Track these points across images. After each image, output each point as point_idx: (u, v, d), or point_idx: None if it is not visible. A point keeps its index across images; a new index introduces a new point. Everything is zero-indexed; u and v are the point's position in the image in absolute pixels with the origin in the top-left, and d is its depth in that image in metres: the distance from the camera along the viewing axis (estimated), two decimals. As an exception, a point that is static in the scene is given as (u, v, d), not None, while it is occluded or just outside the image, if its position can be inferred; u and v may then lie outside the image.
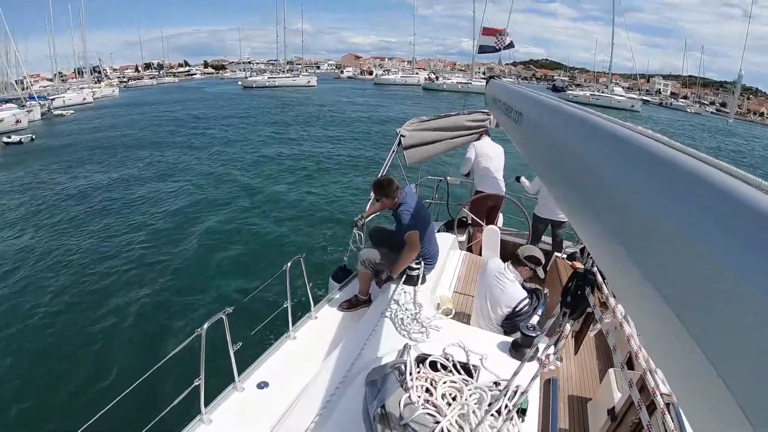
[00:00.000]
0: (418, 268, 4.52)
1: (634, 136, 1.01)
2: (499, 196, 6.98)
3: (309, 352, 4.25)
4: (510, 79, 75.49)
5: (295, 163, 21.33)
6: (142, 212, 14.97)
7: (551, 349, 2.11)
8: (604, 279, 1.92)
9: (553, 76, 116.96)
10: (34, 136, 31.94)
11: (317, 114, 40.28)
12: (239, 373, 3.72)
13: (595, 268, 1.95)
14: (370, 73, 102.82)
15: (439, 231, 6.24)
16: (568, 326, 2.03)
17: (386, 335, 3.79)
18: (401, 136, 6.35)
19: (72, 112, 46.78)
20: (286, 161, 21.79)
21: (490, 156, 6.90)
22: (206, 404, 3.41)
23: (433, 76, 76.70)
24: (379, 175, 5.76)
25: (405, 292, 4.34)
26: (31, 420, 6.17)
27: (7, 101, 40.43)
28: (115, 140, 29.94)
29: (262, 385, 3.76)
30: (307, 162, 21.68)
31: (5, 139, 30.70)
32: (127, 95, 69.11)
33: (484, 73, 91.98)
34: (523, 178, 7.19)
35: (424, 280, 4.59)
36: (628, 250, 0.84)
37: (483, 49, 12.57)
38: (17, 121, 35.79)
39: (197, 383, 3.28)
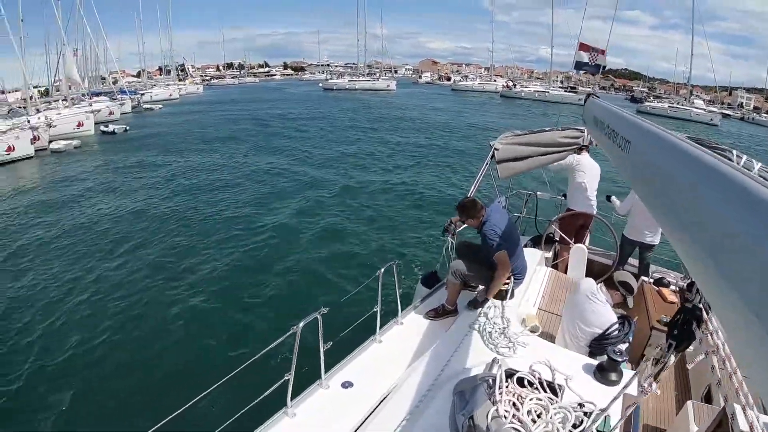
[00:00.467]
0: (508, 284, 4.55)
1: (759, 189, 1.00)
2: (590, 216, 6.91)
3: (394, 356, 4.30)
4: (589, 89, 73.07)
5: (387, 165, 21.38)
6: (236, 205, 15.64)
7: (649, 378, 2.24)
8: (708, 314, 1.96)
9: (631, 86, 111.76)
10: (128, 127, 34.05)
11: (401, 117, 40.11)
12: (326, 371, 3.83)
13: (702, 304, 2.05)
14: (448, 79, 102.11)
15: (525, 246, 6.21)
16: (672, 358, 2.16)
17: (474, 347, 3.92)
18: (495, 149, 6.30)
19: (160, 106, 49.03)
20: (378, 163, 21.86)
21: (586, 173, 6.85)
22: (292, 398, 3.51)
23: (510, 83, 74.99)
24: (472, 188, 6.09)
25: (494, 307, 4.42)
26: (125, 401, 6.45)
27: (99, 94, 43.16)
28: (205, 134, 31.52)
29: (346, 385, 3.84)
30: (399, 165, 21.62)
31: (102, 128, 33.22)
32: (210, 93, 71.75)
33: (561, 82, 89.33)
34: (613, 198, 7.04)
35: (512, 296, 4.64)
36: (743, 293, 0.89)
37: (579, 66, 12.47)
38: (110, 113, 38.64)
39: (287, 378, 3.39)
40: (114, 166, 22.65)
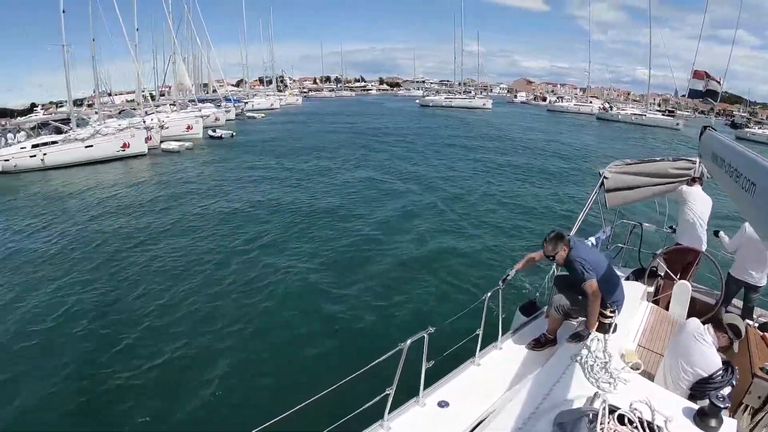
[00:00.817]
0: (612, 317, 4.52)
1: None
2: (698, 252, 6.47)
3: (491, 380, 4.34)
4: (687, 113, 67.96)
5: (489, 187, 20.09)
6: (342, 214, 15.76)
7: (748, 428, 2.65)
8: None
9: (732, 111, 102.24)
10: (234, 133, 35.16)
11: (500, 136, 38.66)
12: (423, 389, 3.89)
13: None
14: (544, 99, 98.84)
15: (627, 278, 6.19)
16: None
17: (575, 379, 3.87)
18: (604, 177, 6.32)
19: (263, 115, 50.94)
20: (480, 184, 20.61)
21: (697, 206, 6.50)
22: (389, 412, 3.59)
23: (606, 105, 71.16)
24: (581, 215, 6.30)
25: (597, 340, 4.27)
26: (230, 402, 6.67)
27: (204, 101, 45.38)
28: (308, 143, 32.31)
29: (442, 404, 3.90)
30: (503, 186, 20.42)
31: (210, 133, 34.69)
32: (309, 104, 73.94)
33: (659, 105, 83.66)
34: (722, 233, 6.58)
35: (615, 329, 4.59)
36: None
37: (693, 94, 11.93)
38: (216, 119, 40.91)
39: (388, 392, 3.50)
40: (225, 167, 24.03)
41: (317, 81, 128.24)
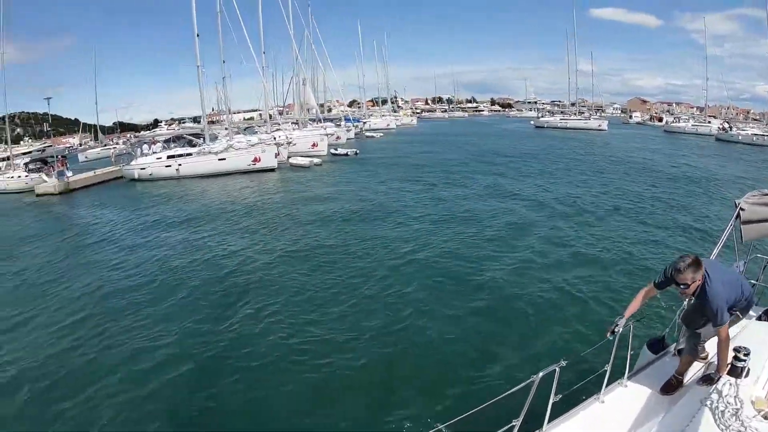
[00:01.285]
0: (745, 360, 4.01)
1: None
2: None
3: (616, 419, 4.11)
4: None
5: (621, 214, 17.47)
6: (475, 232, 14.86)
7: None
8: None
9: None
10: (358, 151, 34.52)
11: (621, 159, 34.67)
12: (548, 422, 3.76)
13: None
14: (660, 120, 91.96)
15: (759, 318, 5.52)
16: None
17: (704, 425, 3.58)
18: (740, 209, 5.78)
19: (381, 135, 50.52)
20: (609, 211, 17.93)
21: None
22: None
23: (726, 125, 64.41)
24: (716, 249, 5.77)
25: (729, 384, 3.89)
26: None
27: (325, 120, 45.59)
28: (431, 162, 30.58)
29: None
30: (631, 208, 18.07)
31: (333, 151, 34.40)
32: (423, 125, 73.24)
33: None
34: None
35: (748, 374, 4.08)
36: None
37: None
38: (337, 137, 41.13)
39: (514, 423, 3.52)
40: (355, 181, 24.06)
41: (428, 102, 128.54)
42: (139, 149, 31.63)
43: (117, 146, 58.14)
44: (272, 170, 27.78)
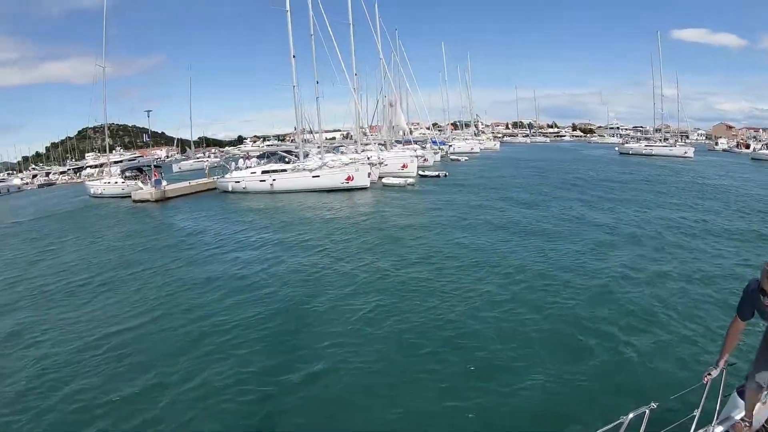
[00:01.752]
0: None
1: None
2: None
3: None
4: None
5: (720, 245, 15.17)
6: (565, 258, 13.30)
7: None
8: None
9: None
10: (447, 173, 33.60)
11: (713, 188, 31.55)
12: None
13: None
14: (747, 147, 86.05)
15: None
16: None
17: None
18: None
19: (466, 158, 49.49)
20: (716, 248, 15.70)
21: None
22: None
23: None
24: None
25: None
26: None
27: (410, 141, 45.11)
28: (520, 187, 28.78)
29: None
30: (729, 243, 15.46)
31: (421, 173, 33.63)
32: (506, 149, 71.52)
33: None
34: None
35: None
36: None
37: None
38: (425, 160, 39.90)
39: None
40: (449, 202, 23.05)
41: (509, 126, 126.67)
42: (233, 163, 32.51)
43: (209, 159, 60.69)
44: (364, 189, 27.33)
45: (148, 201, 30.41)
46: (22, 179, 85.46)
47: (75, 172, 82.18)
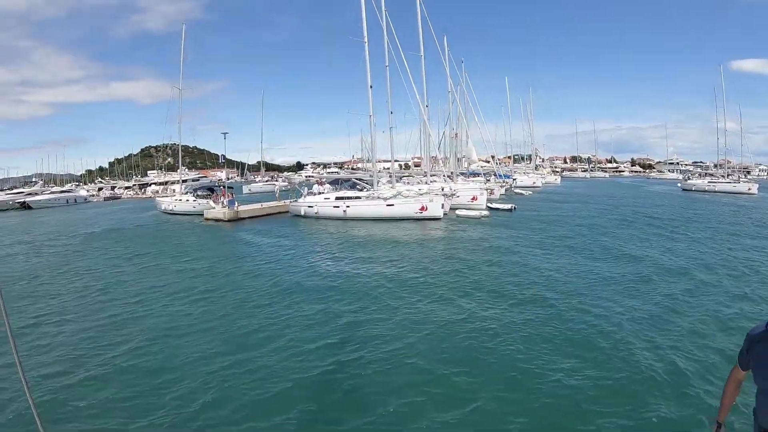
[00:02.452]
0: None
1: None
2: None
3: None
4: None
5: None
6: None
7: None
8: None
9: None
10: (516, 207, 32.91)
11: None
12: None
13: None
14: None
15: None
16: None
17: None
18: None
19: (530, 192, 48.64)
20: None
21: None
22: None
23: None
24: None
25: None
26: None
27: (474, 174, 44.60)
28: (587, 221, 27.48)
29: None
30: None
31: (489, 205, 33.03)
32: (567, 184, 70.09)
33: None
34: None
35: None
36: None
37: None
38: (491, 192, 38.72)
39: None
40: (528, 236, 22.14)
41: (566, 160, 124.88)
42: (306, 188, 32.98)
43: (277, 183, 62.47)
44: (437, 220, 27.00)
45: (220, 220, 31.00)
46: (87, 191, 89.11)
47: (140, 188, 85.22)
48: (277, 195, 38.19)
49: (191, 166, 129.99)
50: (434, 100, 51.50)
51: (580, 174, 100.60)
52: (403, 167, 78.68)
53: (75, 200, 76.05)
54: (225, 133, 40.48)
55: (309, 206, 30.19)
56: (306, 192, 32.31)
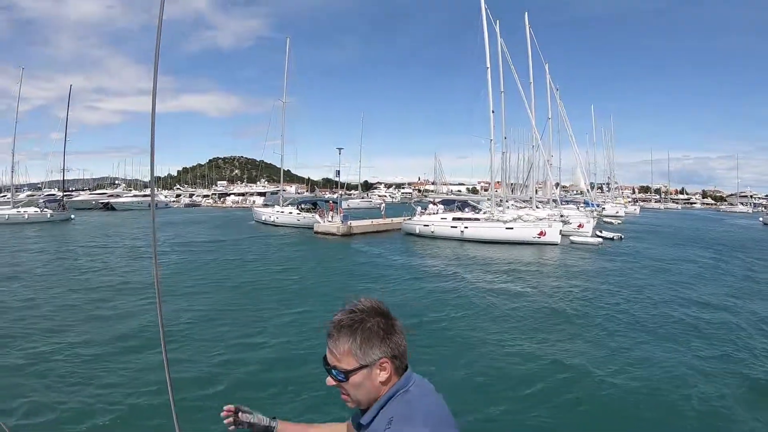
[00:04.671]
0: None
1: None
2: None
3: None
4: None
5: None
6: None
7: None
8: None
9: None
10: (622, 236, 32.80)
11: None
12: None
13: None
14: None
15: None
16: None
17: None
18: None
19: (619, 222, 48.05)
20: None
21: None
22: None
23: None
24: None
25: None
26: None
27: (567, 202, 44.35)
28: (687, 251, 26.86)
29: None
30: None
31: (597, 233, 32.54)
32: (647, 215, 68.92)
33: None
34: None
35: None
36: None
37: None
38: (579, 226, 36.19)
39: None
40: (646, 265, 21.87)
41: (635, 190, 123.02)
42: (419, 207, 34.20)
43: (373, 200, 65.05)
44: (554, 245, 27.34)
45: (333, 234, 32.22)
46: (165, 196, 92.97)
47: (219, 198, 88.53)
48: (382, 212, 39.53)
49: (256, 179, 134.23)
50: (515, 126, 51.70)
51: (654, 205, 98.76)
52: (470, 191, 79.16)
53: (156, 205, 79.74)
54: (340, 149, 42.33)
55: (425, 225, 31.13)
56: (419, 211, 33.40)
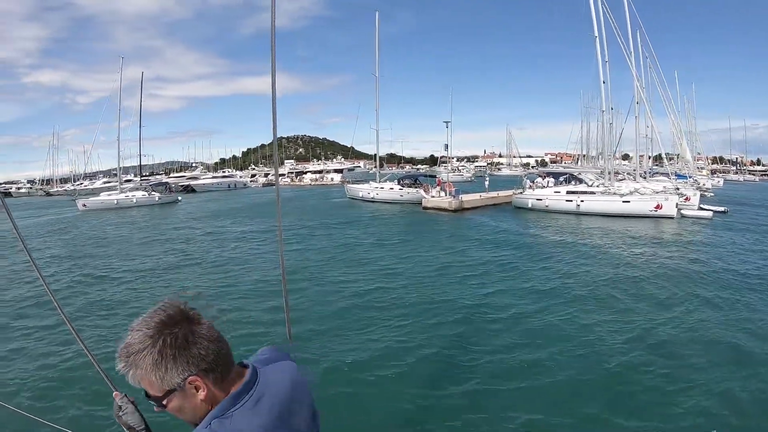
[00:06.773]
0: None
1: None
2: None
3: None
4: None
5: None
6: None
7: None
8: None
9: None
10: (728, 209, 33.25)
11: None
12: None
13: None
14: None
15: None
16: None
17: None
18: None
19: (712, 194, 47.50)
20: None
21: None
22: None
23: None
24: None
25: None
26: None
27: (656, 173, 44.21)
28: None
29: None
30: None
31: (701, 206, 32.20)
32: (731, 187, 67.42)
33: None
34: None
35: None
36: None
37: None
38: (686, 199, 35.06)
39: None
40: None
41: (707, 160, 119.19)
42: (528, 180, 35.49)
43: (463, 174, 66.57)
44: (670, 219, 28.04)
45: (444, 210, 33.72)
46: (241, 177, 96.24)
47: (296, 176, 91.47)
48: (487, 187, 41.01)
49: (323, 157, 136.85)
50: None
51: (732, 176, 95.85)
52: (540, 163, 78.75)
53: (235, 185, 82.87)
54: (447, 122, 43.76)
55: (538, 199, 32.37)
56: (527, 185, 34.71)
